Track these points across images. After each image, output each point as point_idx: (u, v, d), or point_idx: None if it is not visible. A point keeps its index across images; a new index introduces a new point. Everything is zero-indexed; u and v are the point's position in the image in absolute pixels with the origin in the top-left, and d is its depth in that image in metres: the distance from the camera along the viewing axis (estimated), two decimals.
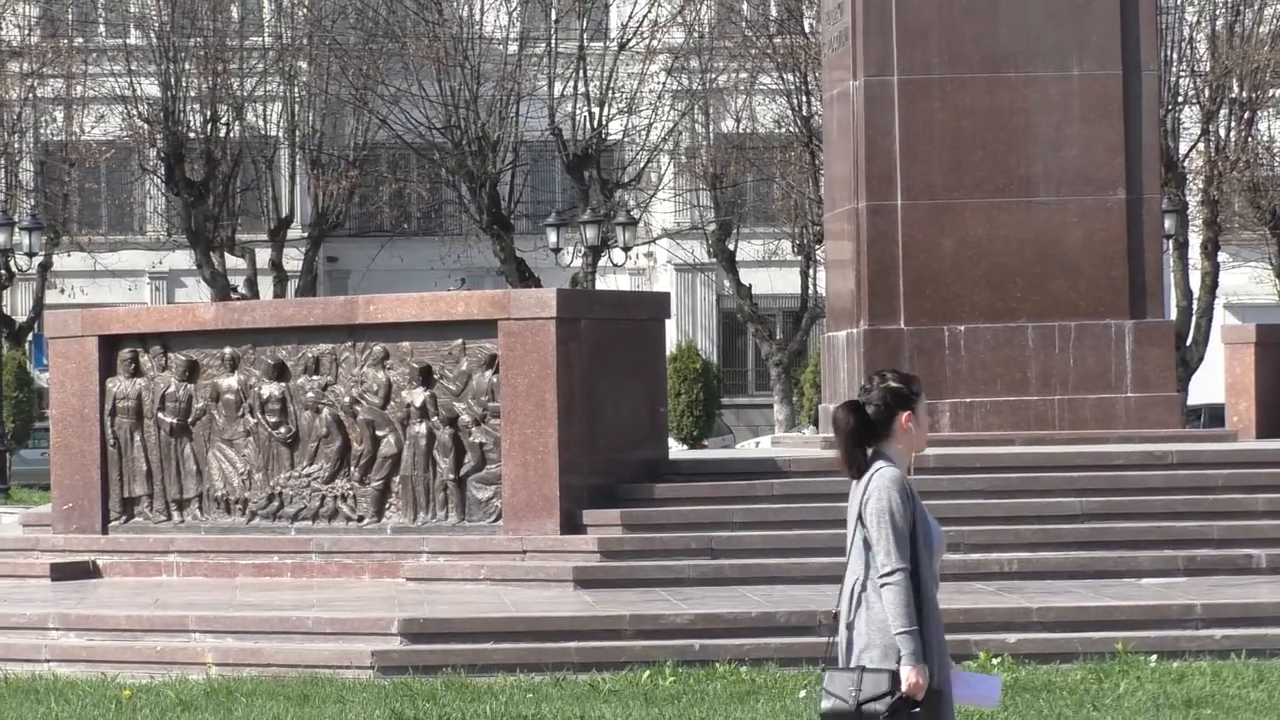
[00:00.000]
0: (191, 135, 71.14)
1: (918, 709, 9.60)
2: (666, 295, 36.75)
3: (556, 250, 67.41)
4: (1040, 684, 17.97)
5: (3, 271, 69.41)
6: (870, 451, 9.62)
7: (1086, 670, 18.03)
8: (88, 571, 24.27)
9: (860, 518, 9.73)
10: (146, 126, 71.82)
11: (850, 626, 9.96)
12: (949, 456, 24.56)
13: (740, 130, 72.15)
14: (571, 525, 22.54)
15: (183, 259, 73.62)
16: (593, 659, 19.01)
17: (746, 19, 72.21)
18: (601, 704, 17.01)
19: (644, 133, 73.15)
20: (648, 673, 18.44)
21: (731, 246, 71.46)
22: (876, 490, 9.86)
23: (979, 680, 10.17)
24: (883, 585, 9.67)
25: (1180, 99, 65.14)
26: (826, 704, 9.78)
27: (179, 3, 71.38)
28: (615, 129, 72.80)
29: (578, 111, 72.00)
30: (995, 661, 18.90)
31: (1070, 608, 20.59)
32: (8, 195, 72.29)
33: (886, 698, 9.46)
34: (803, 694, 17.13)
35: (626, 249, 70.98)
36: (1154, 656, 18.74)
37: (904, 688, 9.31)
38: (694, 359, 66.91)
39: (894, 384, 9.80)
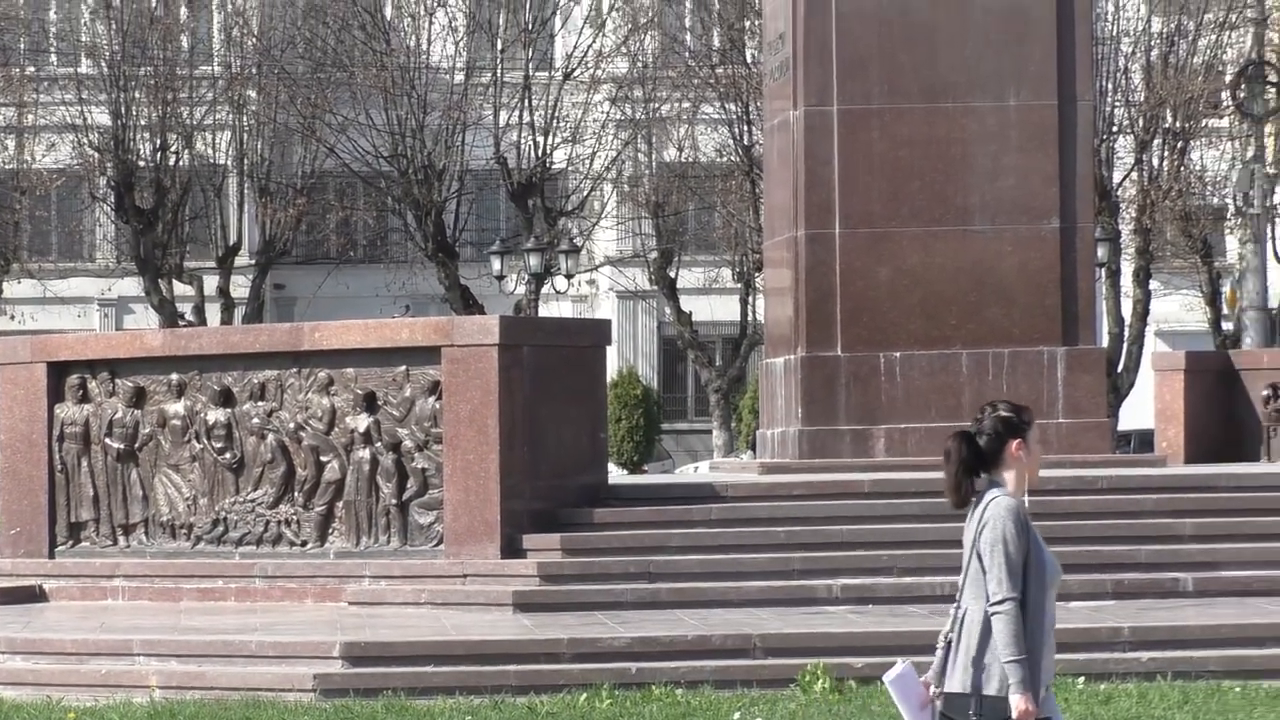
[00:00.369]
0: (141, 163, 70.94)
1: None
2: (608, 322, 36.96)
3: (500, 278, 67.41)
4: None
5: None
6: (984, 478, 9.97)
7: None
8: (34, 595, 24.20)
9: (976, 545, 9.96)
10: (97, 155, 71.72)
11: (952, 649, 10.23)
12: (883, 481, 24.69)
13: (682, 159, 72.30)
14: (512, 550, 22.54)
15: (132, 286, 73.46)
16: (531, 682, 19.07)
17: (689, 49, 72.37)
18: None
19: (587, 162, 73.29)
20: (585, 695, 18.46)
21: (673, 274, 71.56)
22: (992, 519, 10.09)
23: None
24: (993, 614, 9.96)
25: (1115, 129, 65.42)
26: None
27: (129, 32, 71.31)
28: (559, 158, 73.00)
29: (522, 141, 72.11)
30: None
31: None
32: None
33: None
34: (737, 716, 17.19)
35: (569, 276, 71.03)
36: (1082, 678, 18.82)
37: (1014, 715, 9.62)
38: (634, 385, 67.06)
39: (1005, 413, 10.15)
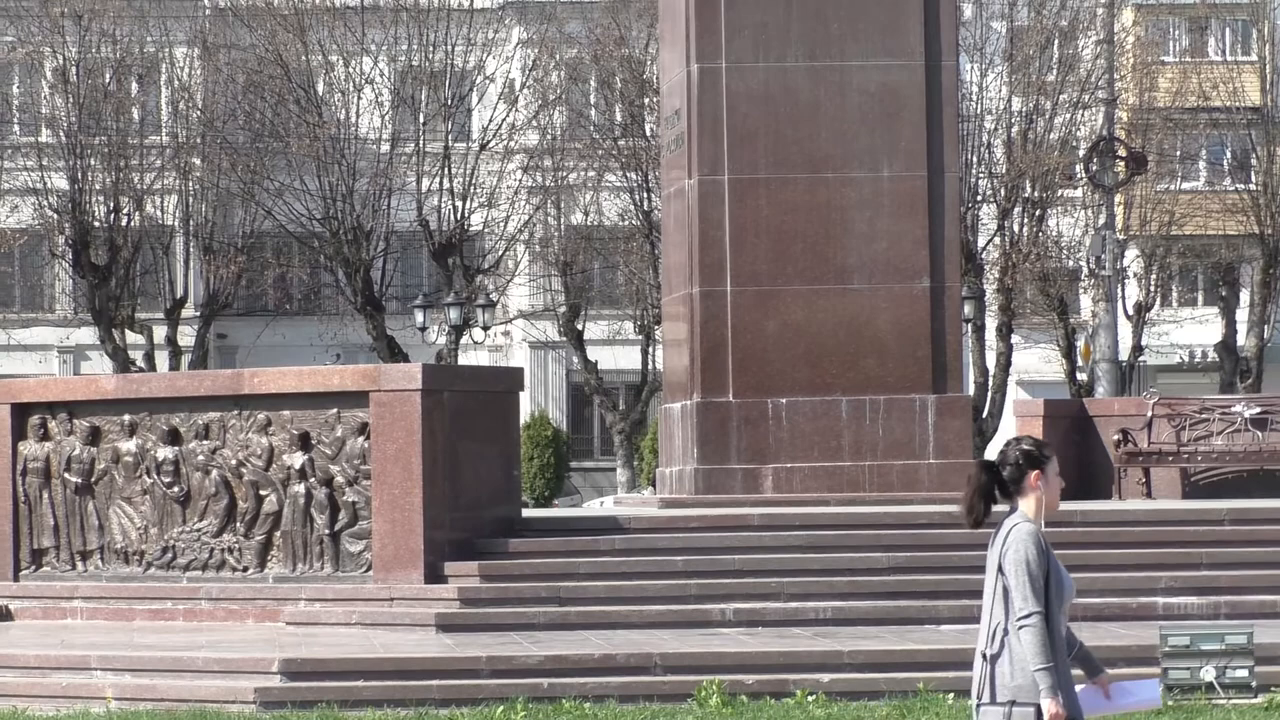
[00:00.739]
0: (96, 224, 70.73)
1: None
2: (520, 370, 37.05)
3: (423, 329, 67.31)
4: (851, 719, 18.14)
5: None
6: (1008, 508, 10.49)
7: (892, 707, 18.14)
8: (1, 615, 24.16)
9: (1000, 567, 10.54)
10: (56, 215, 71.64)
11: (993, 660, 10.60)
12: (771, 515, 24.97)
13: (588, 223, 72.23)
14: (434, 575, 22.66)
15: (88, 335, 73.30)
16: (453, 695, 19.18)
17: (594, 123, 72.46)
18: None
19: (502, 224, 73.18)
20: (501, 708, 18.50)
21: (580, 326, 71.57)
22: (1015, 543, 10.57)
23: (1139, 686, 10.87)
24: (1021, 628, 10.39)
25: (979, 198, 65.68)
26: None
27: (85, 105, 71.17)
28: (476, 221, 72.83)
29: (443, 205, 72.04)
30: (810, 699, 19.03)
31: (878, 650, 20.81)
32: None
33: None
34: None
35: (485, 328, 71.04)
36: (951, 695, 18.88)
37: (1045, 718, 10.11)
38: (545, 426, 66.75)
39: (1027, 447, 10.70)
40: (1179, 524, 25.94)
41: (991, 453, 40.51)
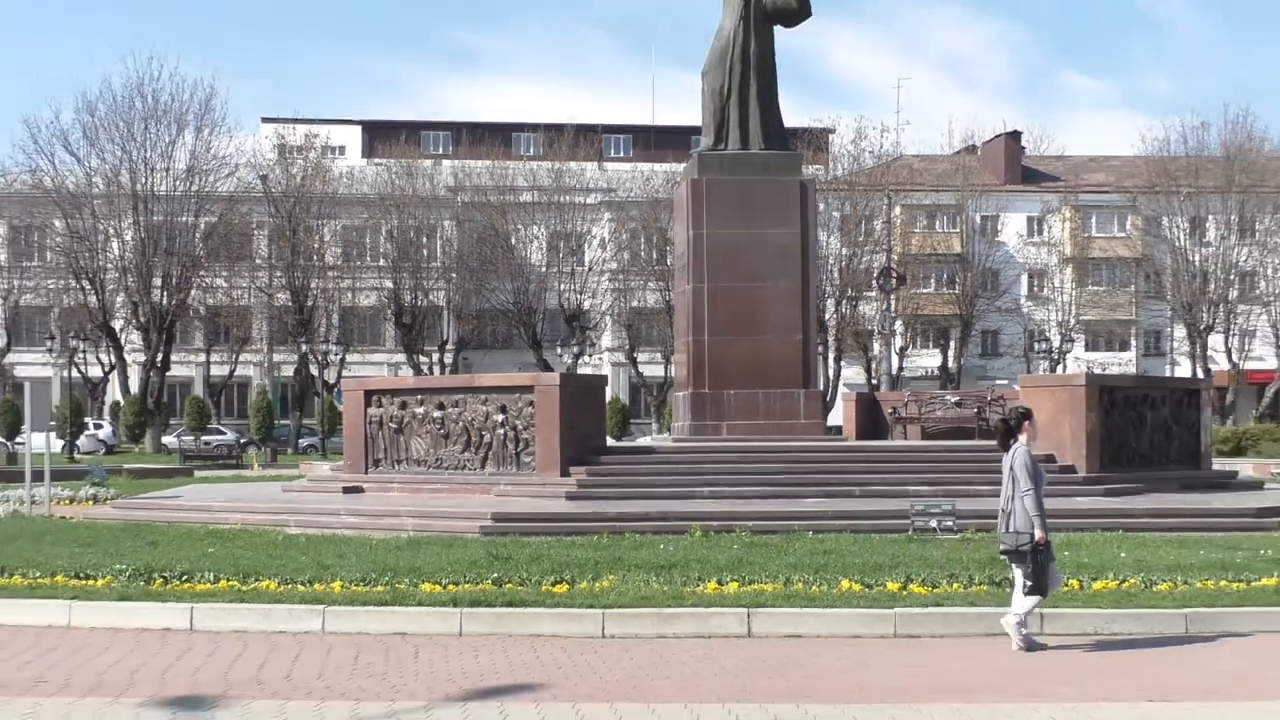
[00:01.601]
0: (405, 303, 72.69)
1: (1040, 550, 11.91)
2: (605, 376, 37.77)
3: (560, 356, 66.93)
4: (759, 544, 17.96)
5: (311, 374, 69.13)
6: (1012, 440, 12.54)
7: (781, 538, 17.97)
8: (359, 490, 24.35)
9: (1012, 467, 12.25)
10: (388, 300, 72.72)
11: (1008, 516, 12.23)
12: (725, 446, 25.15)
13: (639, 304, 72.19)
14: (564, 473, 22.71)
15: (400, 357, 73.10)
16: (574, 531, 19.10)
17: (643, 258, 73.03)
18: (577, 549, 16.96)
19: (599, 306, 73.26)
20: (595, 538, 18.41)
21: (635, 355, 71.71)
22: (1020, 455, 12.39)
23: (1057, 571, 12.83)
24: (1024, 495, 12.14)
25: (824, 295, 65.33)
26: (1002, 547, 12.27)
27: (399, 245, 72.58)
28: (586, 304, 72.90)
29: (571, 297, 72.37)
30: (744, 534, 18.82)
31: (775, 510, 20.71)
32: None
33: (1029, 542, 11.88)
34: (663, 547, 17.22)
35: (589, 356, 71.30)
36: (810, 532, 18.72)
37: (1036, 537, 11.87)
38: (617, 404, 65.93)
39: (1022, 411, 13.23)
40: (920, 452, 25.83)
41: (834, 420, 40.36)
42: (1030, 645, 11.97)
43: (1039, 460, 12.95)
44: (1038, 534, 11.89)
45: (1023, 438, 12.52)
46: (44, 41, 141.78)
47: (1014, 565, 12.14)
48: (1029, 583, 11.97)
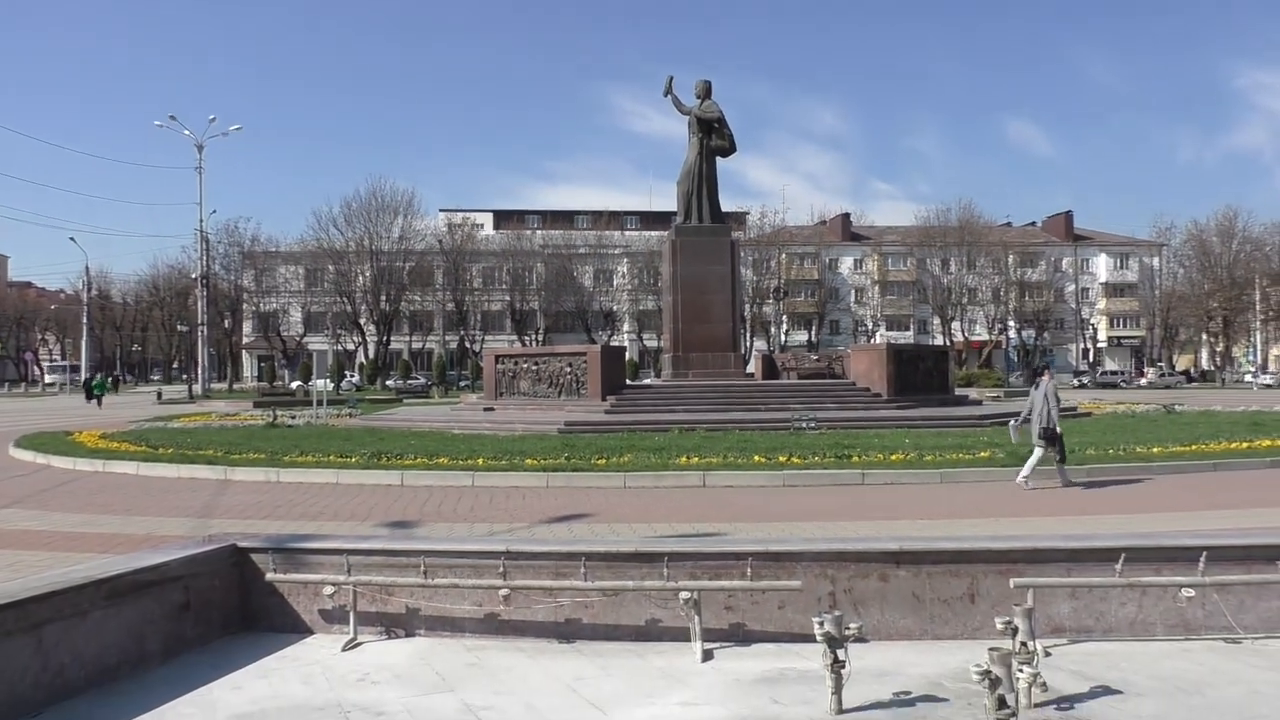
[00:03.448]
0: (515, 308, 70.51)
1: (1056, 437, 11.06)
2: (625, 347, 36.48)
3: (601, 337, 65.92)
4: (710, 437, 17.31)
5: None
6: (1038, 380, 11.50)
7: (721, 433, 17.50)
8: (491, 409, 23.39)
9: (1045, 394, 11.18)
10: (507, 300, 71.24)
11: (1024, 419, 11.37)
12: (692, 385, 23.96)
13: (646, 308, 70.70)
14: (604, 399, 21.89)
15: (514, 337, 71.89)
16: (610, 430, 18.56)
17: (643, 282, 70.69)
18: (610, 439, 16.75)
19: (622, 307, 71.94)
20: (620, 433, 18.06)
21: (641, 334, 70.55)
22: (1046, 386, 11.25)
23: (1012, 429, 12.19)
24: (1054, 409, 11.14)
25: (744, 301, 64.32)
26: (1038, 435, 11.19)
27: (514, 275, 71.40)
28: (614, 307, 71.71)
29: (605, 301, 71.08)
30: (701, 432, 18.34)
31: (722, 418, 19.97)
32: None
33: (1056, 432, 11.04)
34: (657, 438, 16.81)
35: (617, 336, 70.26)
36: (737, 430, 18.40)
37: (1058, 431, 11.09)
38: (632, 363, 65.02)
39: (1043, 365, 12.64)
40: (796, 387, 24.80)
41: (751, 370, 39.50)
42: (1025, 486, 11.25)
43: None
44: (1057, 429, 11.33)
45: (1046, 377, 11.66)
46: (321, 163, 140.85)
47: (1046, 443, 11.40)
48: (1057, 455, 11.39)
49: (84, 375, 57.55)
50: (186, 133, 52.11)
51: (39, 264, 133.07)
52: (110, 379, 54.05)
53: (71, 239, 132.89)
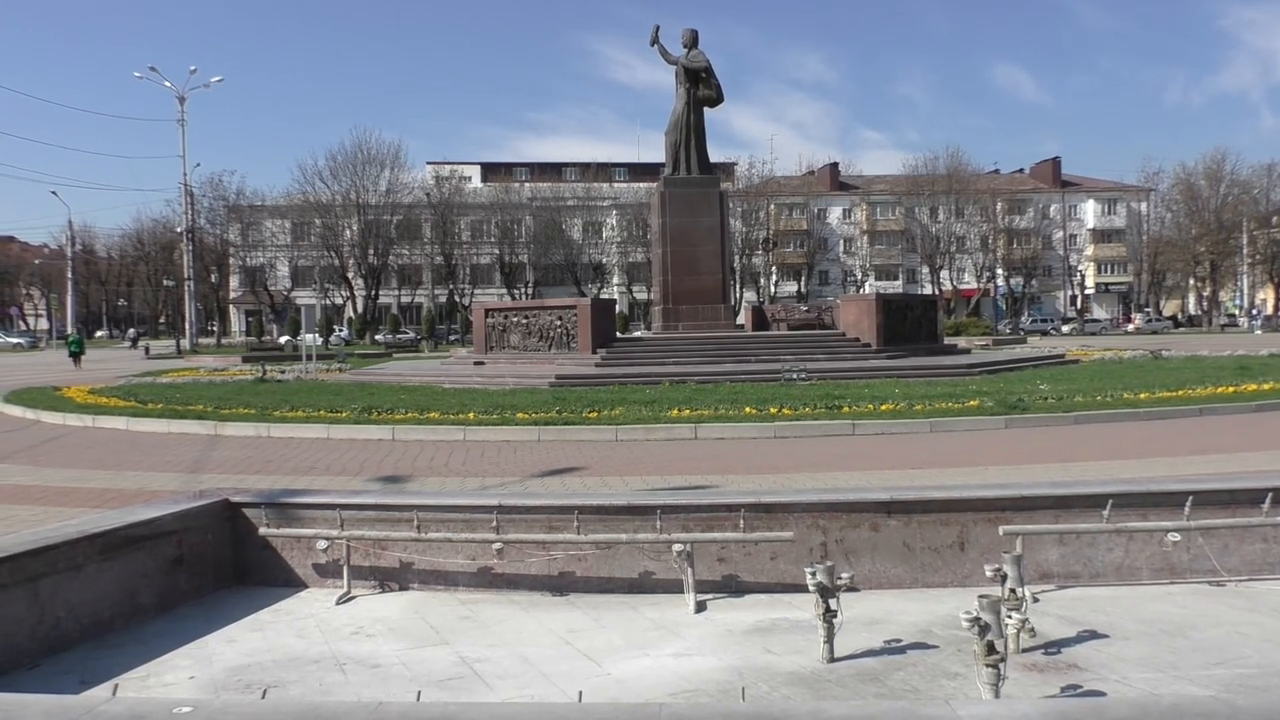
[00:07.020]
0: (505, 260, 69.99)
1: None
2: (614, 300, 35.95)
3: (590, 289, 65.70)
4: (700, 389, 17.25)
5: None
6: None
7: (712, 385, 17.55)
8: (482, 363, 23.18)
9: None
10: (497, 254, 70.66)
11: None
12: (682, 338, 23.84)
13: (635, 260, 70.38)
14: (594, 351, 21.85)
15: (503, 290, 71.62)
16: (600, 383, 18.49)
17: (633, 234, 70.08)
18: (601, 393, 16.72)
19: (612, 258, 71.69)
20: (611, 386, 17.99)
21: (631, 287, 70.27)
22: None
23: None
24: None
25: (733, 252, 64.21)
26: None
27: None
28: (603, 259, 71.36)
29: (594, 254, 70.63)
30: (692, 385, 18.41)
31: (711, 370, 19.92)
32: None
33: None
34: (648, 391, 16.78)
35: (606, 289, 69.89)
36: (728, 382, 18.38)
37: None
38: (622, 315, 64.98)
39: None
40: (786, 338, 24.38)
41: (741, 321, 39.34)
42: None
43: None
44: None
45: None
46: (312, 115, 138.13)
47: None
48: None
49: (69, 331, 56.66)
50: (167, 84, 51.01)
51: (22, 218, 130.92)
52: (78, 332, 52.15)
53: (54, 192, 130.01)
